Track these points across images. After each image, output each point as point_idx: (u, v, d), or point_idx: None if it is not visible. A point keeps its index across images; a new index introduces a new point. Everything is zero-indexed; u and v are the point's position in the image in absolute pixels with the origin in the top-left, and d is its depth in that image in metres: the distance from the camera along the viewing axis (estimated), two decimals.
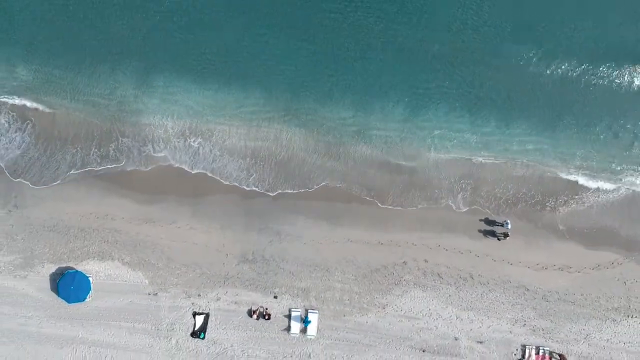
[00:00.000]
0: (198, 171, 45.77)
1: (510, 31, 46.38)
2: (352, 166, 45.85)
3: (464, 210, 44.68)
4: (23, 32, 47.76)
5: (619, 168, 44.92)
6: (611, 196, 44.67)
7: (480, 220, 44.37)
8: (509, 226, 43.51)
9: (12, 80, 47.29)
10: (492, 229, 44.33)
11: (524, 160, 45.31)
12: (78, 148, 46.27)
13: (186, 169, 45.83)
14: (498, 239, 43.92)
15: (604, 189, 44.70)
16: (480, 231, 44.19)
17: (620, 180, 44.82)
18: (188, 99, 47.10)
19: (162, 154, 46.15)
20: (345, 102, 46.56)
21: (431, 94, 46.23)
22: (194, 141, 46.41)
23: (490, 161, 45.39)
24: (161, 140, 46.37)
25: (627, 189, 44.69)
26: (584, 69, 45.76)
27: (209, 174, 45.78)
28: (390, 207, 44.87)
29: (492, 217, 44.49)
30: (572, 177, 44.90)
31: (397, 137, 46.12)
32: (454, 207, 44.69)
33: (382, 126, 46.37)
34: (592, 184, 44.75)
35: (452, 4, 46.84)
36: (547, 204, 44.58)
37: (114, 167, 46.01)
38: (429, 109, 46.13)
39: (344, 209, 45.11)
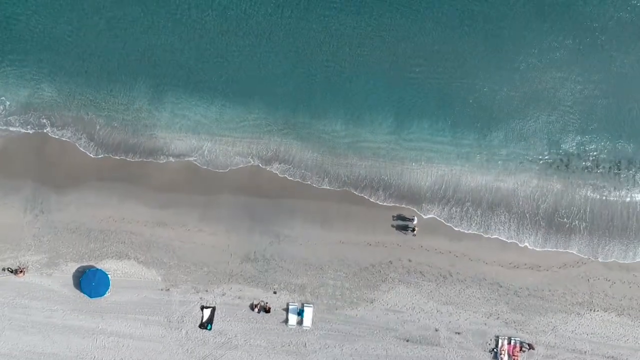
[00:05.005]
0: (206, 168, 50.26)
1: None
2: (343, 174, 49.76)
3: (442, 214, 48.72)
4: (47, 53, 51.95)
5: None
6: None
7: (394, 216, 48.42)
8: (415, 222, 47.70)
9: (37, 98, 51.39)
10: (404, 224, 48.30)
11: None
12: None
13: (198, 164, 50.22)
14: (405, 233, 48.04)
15: None
16: (393, 226, 48.32)
17: None
18: (196, 114, 51.11)
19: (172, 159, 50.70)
20: (338, 116, 50.49)
21: (416, 109, 50.40)
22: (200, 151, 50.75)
23: (468, 170, 49.49)
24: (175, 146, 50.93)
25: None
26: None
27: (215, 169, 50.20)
28: (377, 210, 48.68)
29: (403, 215, 48.42)
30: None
31: (385, 149, 49.99)
32: (435, 213, 48.84)
33: (372, 138, 50.23)
34: None
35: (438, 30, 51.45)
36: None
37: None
38: (413, 123, 50.18)
39: (337, 213, 48.87)
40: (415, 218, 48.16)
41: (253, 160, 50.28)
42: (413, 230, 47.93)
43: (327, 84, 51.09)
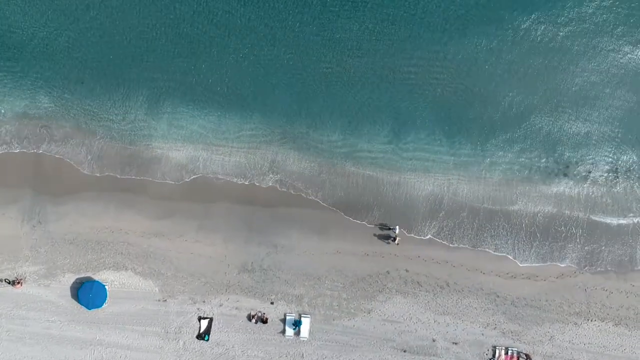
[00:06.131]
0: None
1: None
2: (341, 185, 49.62)
3: (438, 234, 48.51)
4: (44, 63, 51.71)
5: None
6: None
7: (376, 225, 48.43)
8: (397, 231, 47.66)
9: (34, 108, 51.13)
10: (387, 233, 48.26)
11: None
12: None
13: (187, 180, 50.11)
14: (388, 242, 47.97)
15: None
16: (375, 235, 48.27)
17: None
18: (193, 124, 50.90)
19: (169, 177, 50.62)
20: (336, 126, 50.25)
21: (413, 119, 50.30)
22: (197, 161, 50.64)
23: (465, 181, 49.30)
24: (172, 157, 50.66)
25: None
26: None
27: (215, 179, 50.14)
28: (373, 225, 48.92)
29: (386, 223, 48.42)
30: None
31: (382, 159, 49.83)
32: (432, 234, 48.65)
33: (369, 148, 50.02)
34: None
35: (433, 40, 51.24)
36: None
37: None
38: (411, 134, 49.97)
39: (334, 222, 48.68)
40: (397, 227, 48.05)
41: (249, 173, 50.15)
42: (394, 239, 47.81)
43: (325, 94, 50.90)
